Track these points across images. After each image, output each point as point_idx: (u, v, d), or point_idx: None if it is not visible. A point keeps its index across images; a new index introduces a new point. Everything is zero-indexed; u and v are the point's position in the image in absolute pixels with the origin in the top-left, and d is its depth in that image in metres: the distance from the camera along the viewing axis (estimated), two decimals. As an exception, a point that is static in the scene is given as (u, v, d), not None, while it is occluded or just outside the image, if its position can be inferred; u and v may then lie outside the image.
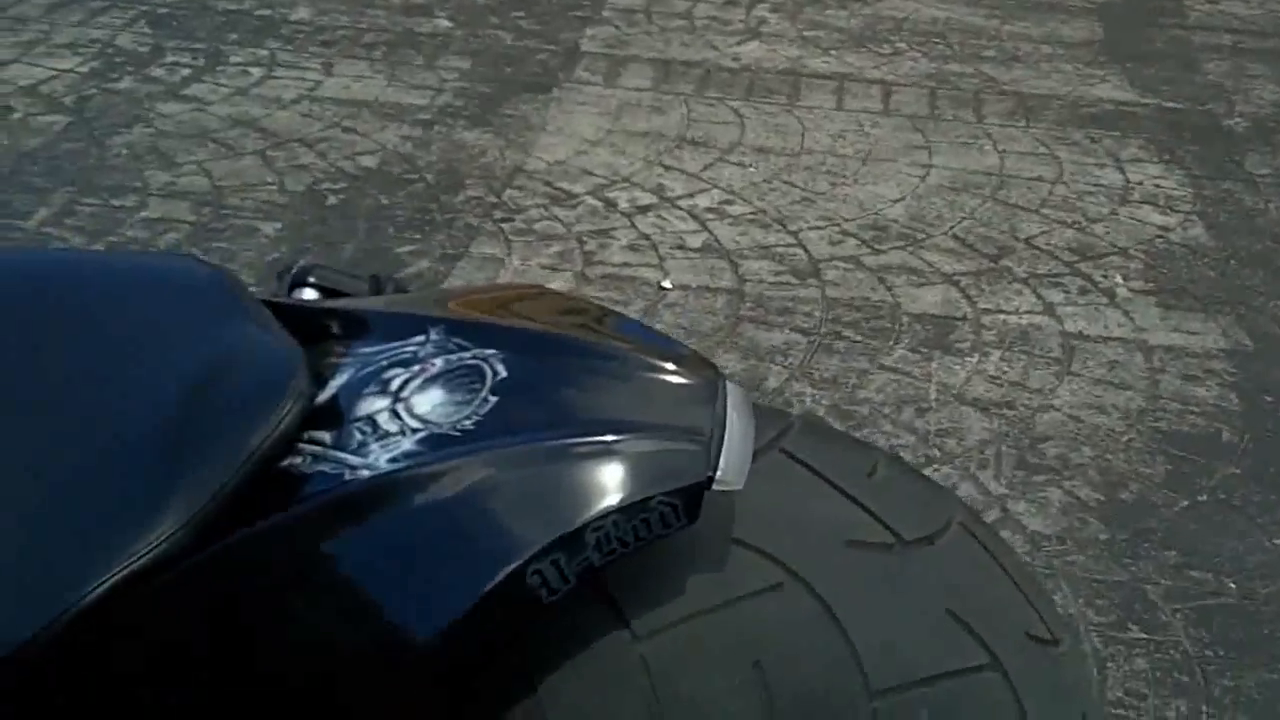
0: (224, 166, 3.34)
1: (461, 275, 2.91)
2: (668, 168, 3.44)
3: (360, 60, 4.00)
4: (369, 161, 3.41)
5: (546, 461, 0.91)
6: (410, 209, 3.19)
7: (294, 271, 1.24)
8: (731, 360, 2.66)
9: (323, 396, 0.97)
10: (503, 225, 3.14)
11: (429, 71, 3.94)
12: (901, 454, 2.40)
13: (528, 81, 3.91)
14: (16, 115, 3.54)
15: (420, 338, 1.00)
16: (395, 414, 0.94)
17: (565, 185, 3.33)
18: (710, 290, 2.91)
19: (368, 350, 1.00)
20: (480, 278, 2.91)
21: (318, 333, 1.04)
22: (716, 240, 3.10)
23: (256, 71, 3.89)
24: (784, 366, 2.65)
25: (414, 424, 0.93)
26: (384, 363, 0.98)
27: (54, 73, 3.80)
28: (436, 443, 0.92)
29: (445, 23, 4.30)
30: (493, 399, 0.94)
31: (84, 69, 3.85)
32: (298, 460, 0.92)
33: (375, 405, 0.95)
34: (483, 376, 0.96)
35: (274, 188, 3.26)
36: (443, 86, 3.85)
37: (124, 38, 4.07)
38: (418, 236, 3.07)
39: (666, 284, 2.91)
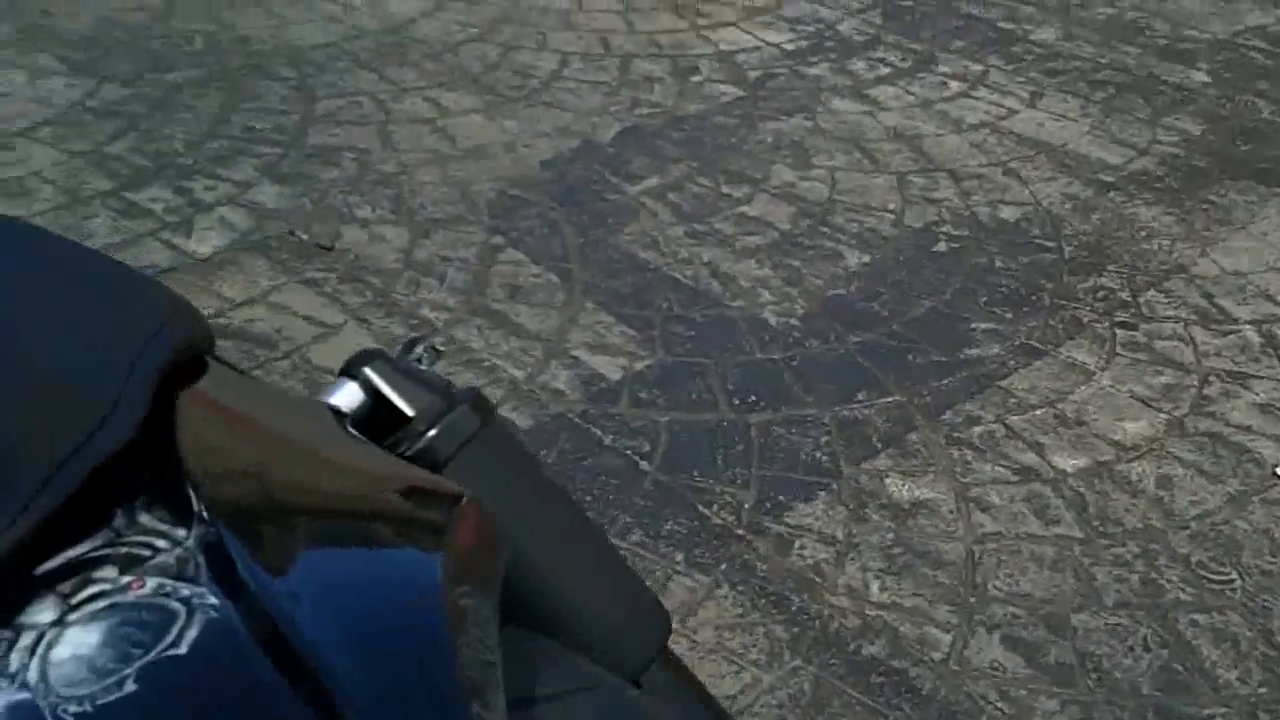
0: (853, 180, 3.04)
1: (1029, 379, 2.38)
2: (1383, 321, 2.58)
3: (1075, 98, 3.46)
4: (1009, 214, 2.92)
5: None
6: (1020, 281, 2.68)
7: (353, 356, 0.93)
8: (1241, 628, 1.90)
9: (59, 559, 0.65)
10: (1117, 331, 2.52)
11: (1146, 127, 3.32)
12: None
13: (1259, 167, 3.15)
14: (698, 79, 3.49)
15: (183, 532, 0.65)
16: (37, 643, 0.60)
17: (1227, 304, 2.62)
18: (1341, 503, 2.11)
19: (145, 520, 0.66)
20: (1048, 389, 2.35)
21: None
22: (1393, 438, 2.26)
23: (955, 86, 3.51)
24: (1387, 649, 1.84)
25: (30, 675, 0.58)
26: (124, 548, 0.64)
27: (759, 44, 3.71)
28: None
29: (1202, 76, 3.60)
30: (129, 688, 0.57)
31: (790, 46, 3.71)
32: None
33: (42, 615, 0.62)
34: (159, 638, 0.59)
35: (890, 216, 2.90)
36: (1150, 148, 3.22)
37: (849, 24, 3.88)
38: (1008, 315, 2.56)
39: (1284, 473, 2.17)
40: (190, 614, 0.59)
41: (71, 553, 0.64)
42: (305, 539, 0.66)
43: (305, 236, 2.68)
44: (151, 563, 0.63)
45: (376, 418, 0.91)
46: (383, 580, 0.66)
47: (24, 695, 0.57)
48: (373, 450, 0.80)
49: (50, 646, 0.59)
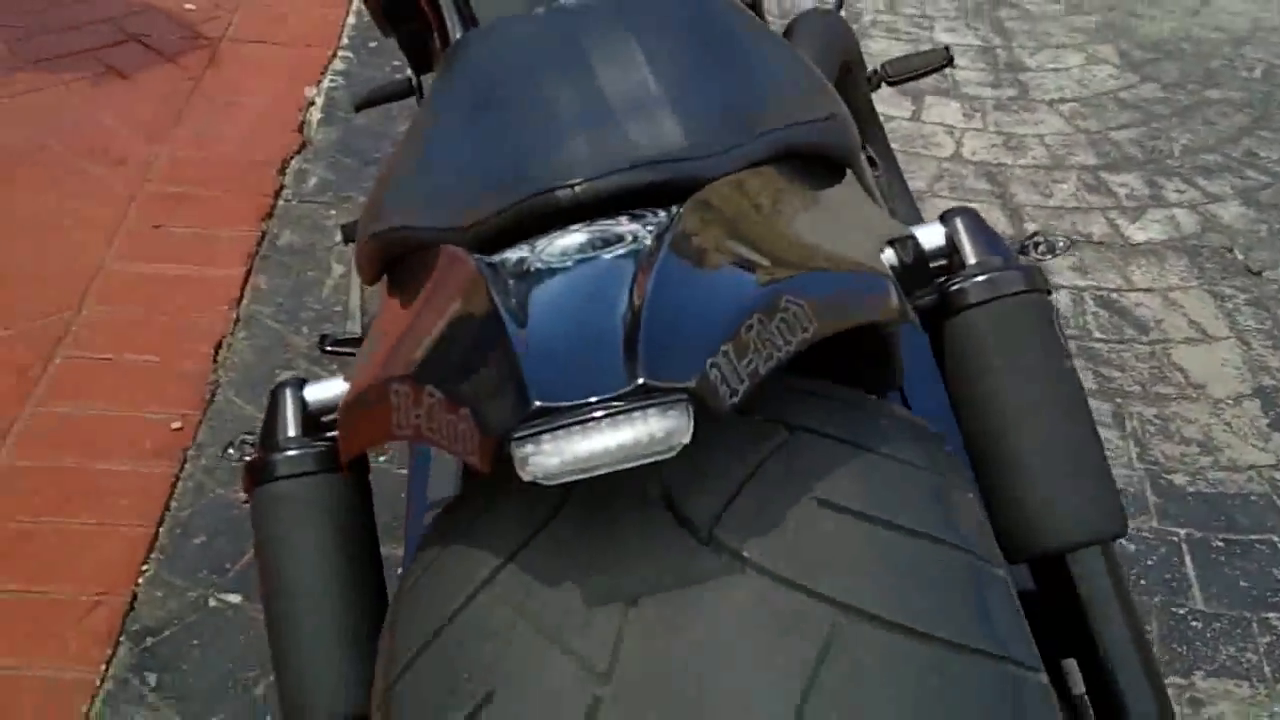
0: None
1: None
2: None
3: None
4: None
5: None
6: None
7: (951, 209, 1.03)
8: None
9: (628, 212, 0.90)
10: None
11: None
12: None
13: None
14: None
15: (664, 218, 0.86)
16: (559, 232, 0.87)
17: None
18: None
19: (662, 210, 0.88)
20: None
21: None
22: None
23: None
24: None
25: (539, 246, 0.85)
26: (641, 211, 0.87)
27: None
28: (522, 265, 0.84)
29: None
30: (568, 264, 0.82)
31: None
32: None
33: (576, 224, 0.87)
34: (602, 248, 0.82)
35: None
36: None
37: None
38: None
39: None
40: (629, 244, 0.82)
41: (635, 210, 0.88)
42: (712, 252, 0.83)
43: (1241, 256, 2.64)
44: (643, 219, 0.86)
45: (951, 265, 1.01)
46: (737, 291, 0.80)
47: (526, 254, 0.84)
48: (857, 256, 0.92)
49: (561, 236, 0.85)
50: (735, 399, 0.72)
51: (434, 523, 0.89)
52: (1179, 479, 2.10)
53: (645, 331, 0.72)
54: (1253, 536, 2.00)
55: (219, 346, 2.32)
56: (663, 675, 0.70)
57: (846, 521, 0.75)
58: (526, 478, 0.70)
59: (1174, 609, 1.88)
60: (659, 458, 0.69)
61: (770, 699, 0.68)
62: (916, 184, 2.86)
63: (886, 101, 3.19)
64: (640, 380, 0.69)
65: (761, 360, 0.74)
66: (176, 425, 2.13)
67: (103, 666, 1.74)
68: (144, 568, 1.88)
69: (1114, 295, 2.54)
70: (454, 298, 0.83)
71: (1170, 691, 1.76)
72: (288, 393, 0.97)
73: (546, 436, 0.69)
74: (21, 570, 1.85)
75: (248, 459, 0.99)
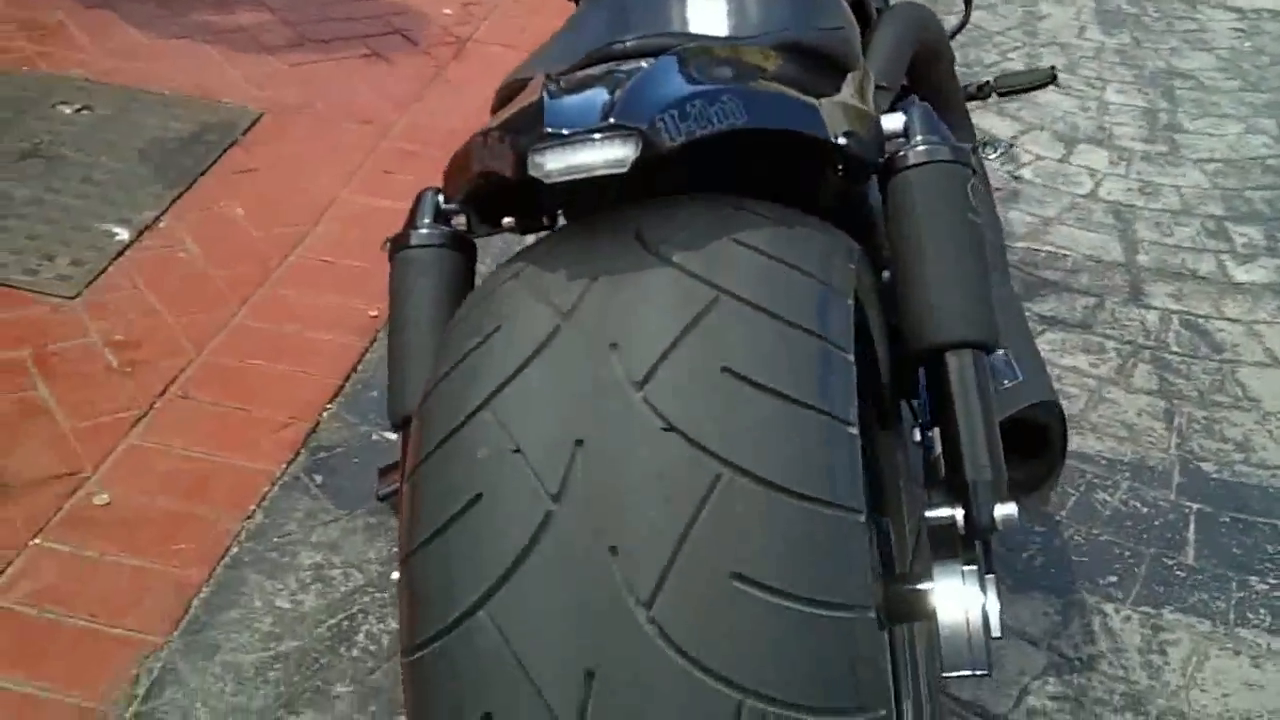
0: None
1: None
2: None
3: None
4: None
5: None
6: None
7: (911, 99, 1.38)
8: None
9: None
10: None
11: None
12: None
13: None
14: None
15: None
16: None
17: None
18: None
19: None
20: None
21: None
22: None
23: None
24: None
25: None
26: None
27: None
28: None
29: None
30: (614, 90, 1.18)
31: None
32: None
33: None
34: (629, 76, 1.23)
35: None
36: None
37: None
38: None
39: None
40: (641, 65, 1.23)
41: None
42: (686, 65, 1.21)
43: (1335, 303, 2.85)
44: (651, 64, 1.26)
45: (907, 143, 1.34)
46: (692, 83, 1.20)
47: (579, 72, 1.27)
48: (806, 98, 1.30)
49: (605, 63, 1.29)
50: (673, 143, 1.10)
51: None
52: (1207, 466, 2.36)
53: (622, 96, 1.13)
54: (1259, 518, 2.24)
55: (418, 267, 2.83)
56: (603, 315, 1.08)
57: (744, 251, 1.12)
58: (534, 174, 1.09)
59: (1164, 559, 2.15)
60: (617, 170, 1.08)
61: (660, 330, 1.06)
62: (1046, 211, 3.17)
63: (1040, 144, 3.52)
64: (611, 120, 1.09)
65: (698, 126, 1.13)
66: (373, 313, 2.64)
67: (283, 465, 2.25)
68: (328, 406, 2.39)
69: (1200, 320, 2.79)
70: (527, 94, 1.27)
71: (1136, 618, 2.04)
72: (427, 194, 1.42)
73: (550, 151, 1.09)
74: (236, 393, 2.39)
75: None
